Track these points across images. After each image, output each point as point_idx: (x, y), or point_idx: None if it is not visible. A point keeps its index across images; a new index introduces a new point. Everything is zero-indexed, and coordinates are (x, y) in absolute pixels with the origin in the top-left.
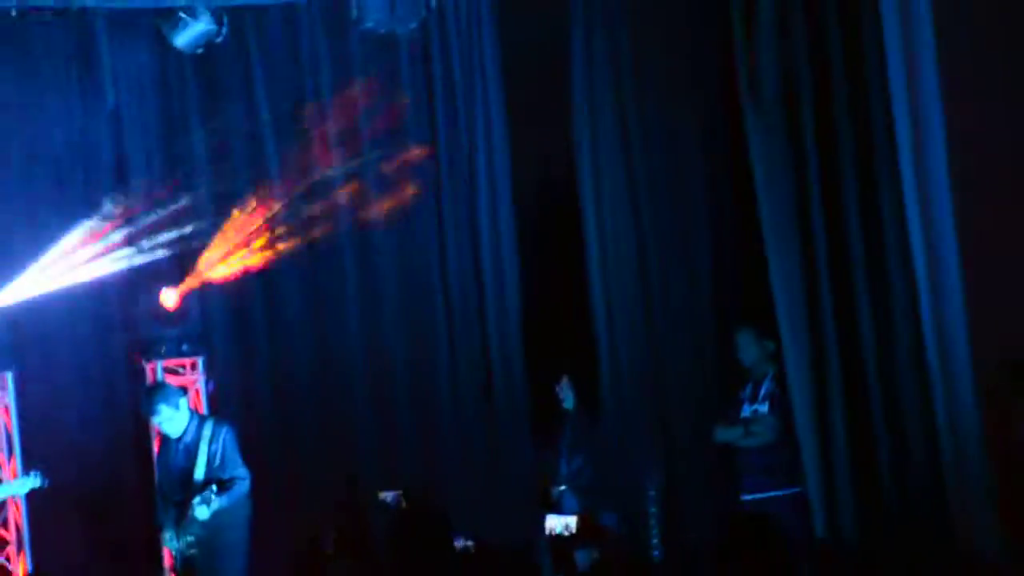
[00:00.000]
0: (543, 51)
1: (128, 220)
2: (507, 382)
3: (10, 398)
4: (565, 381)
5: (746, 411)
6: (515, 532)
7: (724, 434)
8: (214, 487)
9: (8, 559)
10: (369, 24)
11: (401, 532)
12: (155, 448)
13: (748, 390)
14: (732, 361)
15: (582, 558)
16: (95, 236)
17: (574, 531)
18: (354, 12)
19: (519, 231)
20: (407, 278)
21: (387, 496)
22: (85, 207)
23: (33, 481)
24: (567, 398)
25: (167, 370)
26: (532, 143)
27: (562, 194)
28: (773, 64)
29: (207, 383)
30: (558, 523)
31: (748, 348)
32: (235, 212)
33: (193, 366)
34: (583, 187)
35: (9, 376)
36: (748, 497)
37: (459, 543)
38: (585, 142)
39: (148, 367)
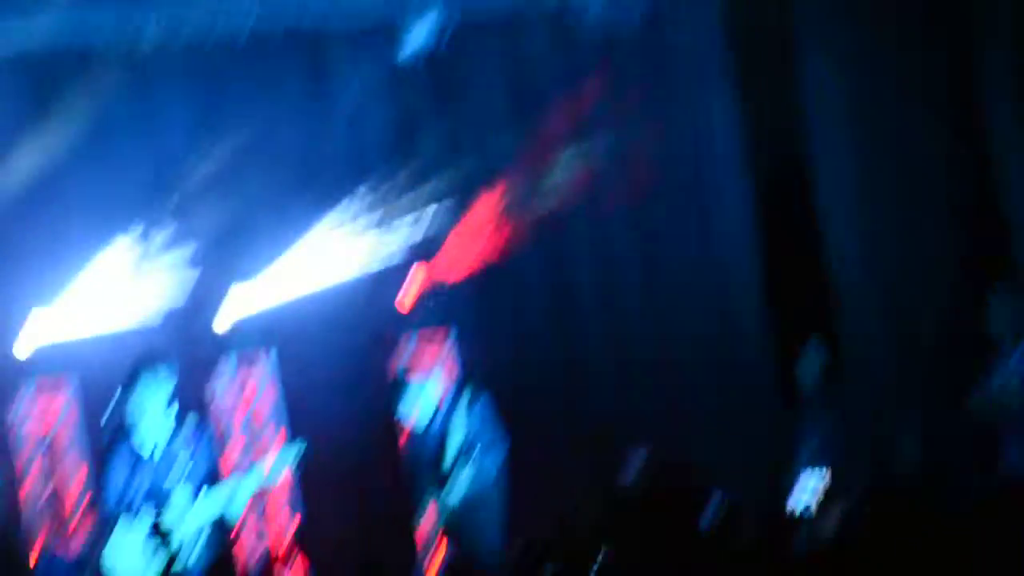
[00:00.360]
0: (770, 37)
1: (369, 216)
2: (749, 357)
3: (273, 373)
4: (810, 350)
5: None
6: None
7: (982, 403)
8: (473, 452)
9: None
10: (592, 19)
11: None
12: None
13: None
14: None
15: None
16: (340, 232)
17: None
18: (574, 16)
19: (753, 213)
20: (645, 263)
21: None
22: (328, 206)
23: (299, 446)
24: (810, 370)
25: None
26: (761, 125)
27: (793, 174)
28: None
29: (456, 356)
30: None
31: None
32: (473, 203)
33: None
34: (816, 167)
35: (274, 352)
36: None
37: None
38: (816, 122)
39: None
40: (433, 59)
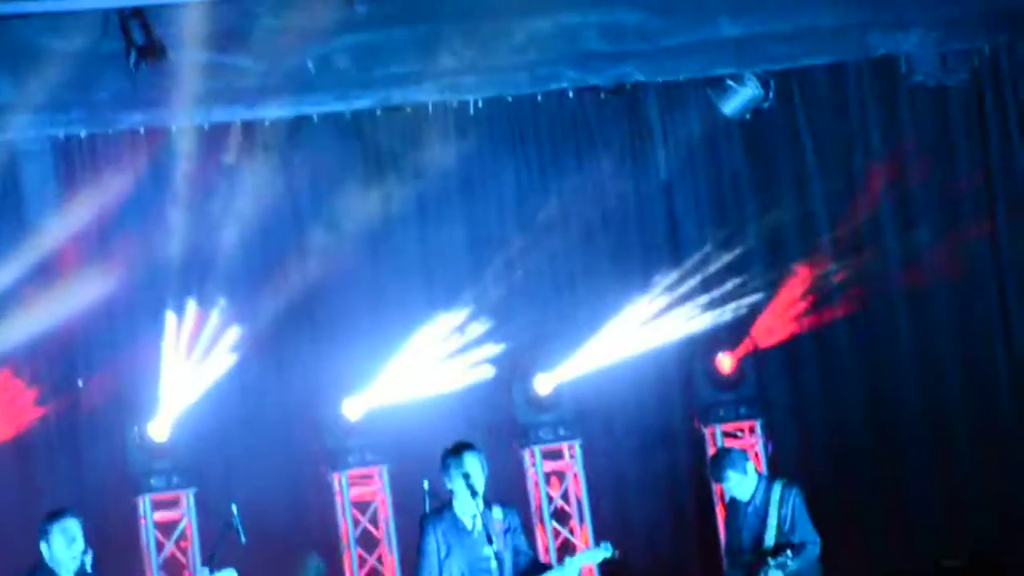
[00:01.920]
0: None
1: (683, 288)
2: None
3: (578, 467)
4: None
5: None
6: None
7: None
8: (789, 551)
9: None
10: (919, 78)
11: None
12: (719, 512)
13: None
14: None
15: None
16: (653, 305)
17: None
18: (903, 67)
19: None
20: (964, 329)
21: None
22: (641, 277)
23: (604, 552)
24: None
25: (726, 434)
26: None
27: None
28: None
29: (766, 445)
30: None
31: None
32: (788, 274)
33: (752, 429)
34: None
35: (577, 445)
36: None
37: None
38: None
39: (707, 431)
40: (754, 120)
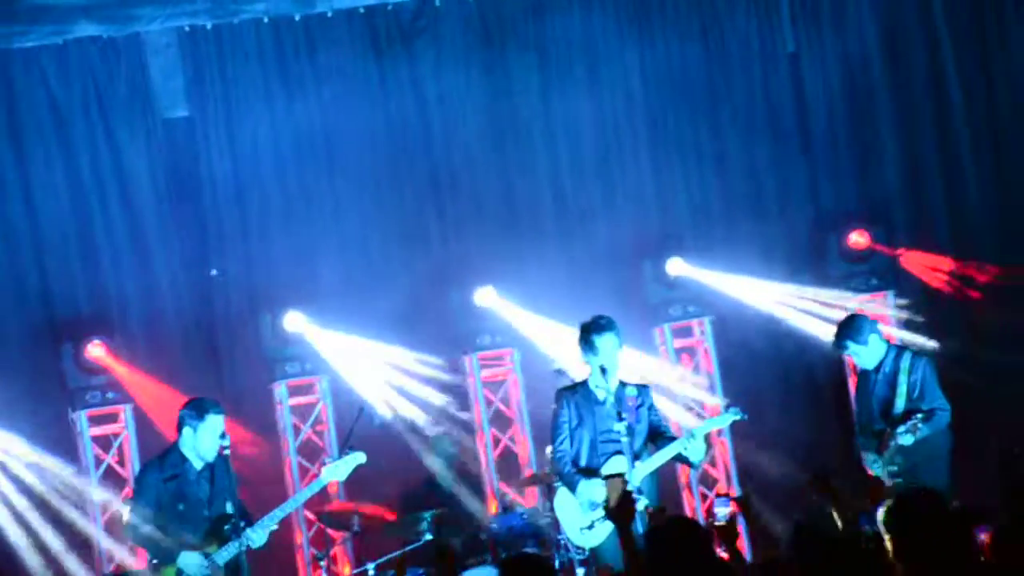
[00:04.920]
0: None
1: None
2: None
3: (709, 341)
4: None
5: None
6: None
7: None
8: (919, 415)
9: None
10: None
11: None
12: (851, 383)
13: None
14: None
15: None
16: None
17: None
18: None
19: None
20: None
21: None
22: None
23: (734, 415)
24: None
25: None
26: None
27: None
28: None
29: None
30: None
31: None
32: None
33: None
34: None
35: (707, 321)
36: None
37: None
38: None
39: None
40: None
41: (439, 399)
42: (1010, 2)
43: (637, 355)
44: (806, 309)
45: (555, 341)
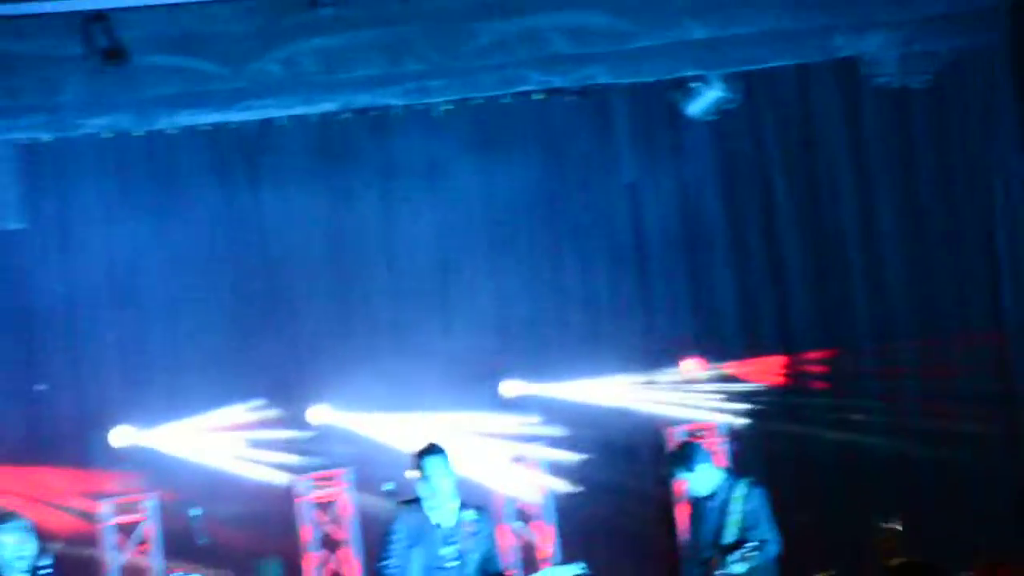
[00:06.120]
0: None
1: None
2: None
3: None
4: None
5: None
6: None
7: None
8: (751, 544)
9: None
10: (881, 80)
11: None
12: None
13: None
14: None
15: None
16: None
17: None
18: (865, 69)
19: None
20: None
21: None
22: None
23: (576, 569)
24: None
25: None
26: None
27: None
28: None
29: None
30: None
31: None
32: None
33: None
34: None
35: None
36: None
37: None
38: None
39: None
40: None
41: None
42: None
43: None
44: None
45: (389, 461)
